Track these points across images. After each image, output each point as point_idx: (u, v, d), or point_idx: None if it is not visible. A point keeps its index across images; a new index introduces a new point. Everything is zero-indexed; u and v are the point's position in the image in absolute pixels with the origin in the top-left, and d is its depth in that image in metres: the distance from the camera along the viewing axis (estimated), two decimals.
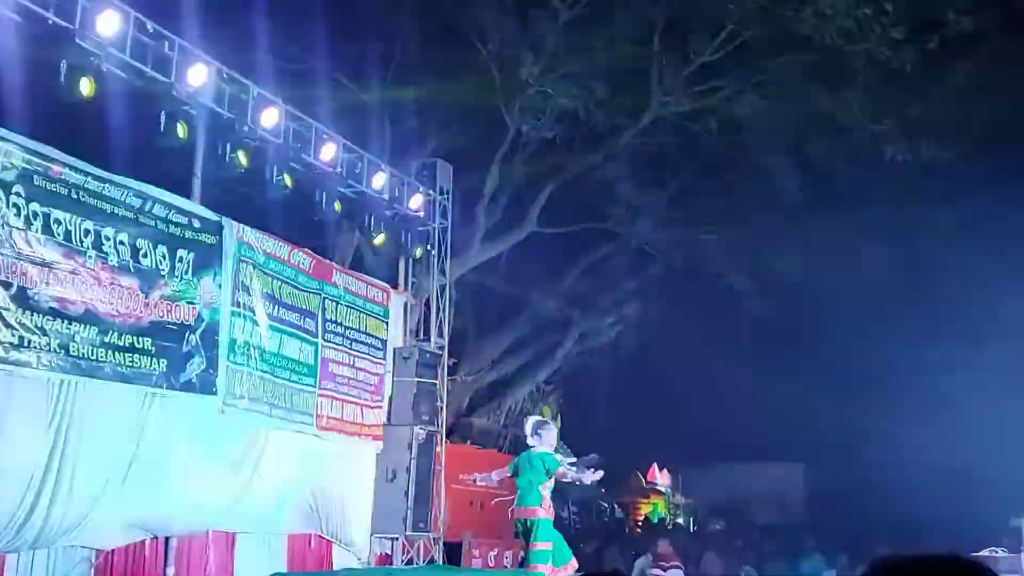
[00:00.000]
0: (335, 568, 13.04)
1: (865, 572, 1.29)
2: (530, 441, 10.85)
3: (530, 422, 11.11)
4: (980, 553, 14.67)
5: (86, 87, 9.36)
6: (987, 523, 15.34)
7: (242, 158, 11.41)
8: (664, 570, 14.74)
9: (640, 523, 26.58)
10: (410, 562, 14.28)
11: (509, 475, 11.02)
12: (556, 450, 11.51)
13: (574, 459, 11.09)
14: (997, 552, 14.47)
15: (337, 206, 13.29)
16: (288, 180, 12.20)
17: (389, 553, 14.39)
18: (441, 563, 14.70)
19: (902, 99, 16.70)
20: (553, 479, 10.63)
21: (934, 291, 19.91)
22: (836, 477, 24.07)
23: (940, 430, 20.01)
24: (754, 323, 23.07)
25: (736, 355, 24.35)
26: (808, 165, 18.68)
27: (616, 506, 26.87)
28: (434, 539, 14.77)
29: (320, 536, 13.07)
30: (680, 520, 29.00)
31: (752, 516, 25.29)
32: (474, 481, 12.80)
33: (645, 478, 29.18)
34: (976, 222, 17.84)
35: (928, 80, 16.25)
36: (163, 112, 10.44)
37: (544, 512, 10.57)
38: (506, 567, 15.94)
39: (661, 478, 29.68)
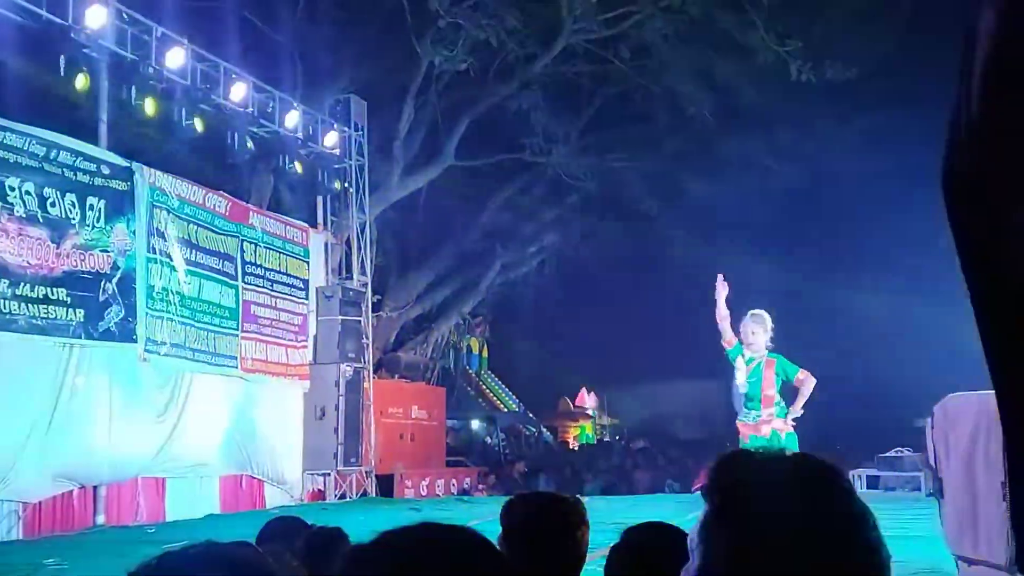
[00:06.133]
0: (268, 507, 13.07)
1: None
2: None
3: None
4: (887, 454, 15.35)
5: None
6: (894, 426, 15.91)
7: (149, 102, 11.09)
8: None
9: (573, 445, 27.03)
10: (343, 496, 14.39)
11: None
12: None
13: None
14: (903, 452, 15.12)
15: (250, 146, 13.04)
16: (199, 123, 11.91)
17: (322, 489, 14.47)
18: (374, 495, 14.85)
19: (806, 21, 16.86)
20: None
21: (839, 208, 20.37)
22: None
23: (848, 340, 20.64)
24: (669, 246, 23.36)
25: (655, 279, 24.69)
26: (717, 89, 18.80)
27: (544, 430, 27.29)
28: (366, 472, 14.89)
29: (251, 476, 13.07)
30: (607, 439, 29.60)
31: (675, 433, 25.88)
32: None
33: (573, 403, 29.61)
34: (877, 137, 18.21)
35: (829, 2, 16.45)
36: (62, 56, 10.06)
37: None
38: (438, 496, 16.16)
39: (588, 401, 30.17)
